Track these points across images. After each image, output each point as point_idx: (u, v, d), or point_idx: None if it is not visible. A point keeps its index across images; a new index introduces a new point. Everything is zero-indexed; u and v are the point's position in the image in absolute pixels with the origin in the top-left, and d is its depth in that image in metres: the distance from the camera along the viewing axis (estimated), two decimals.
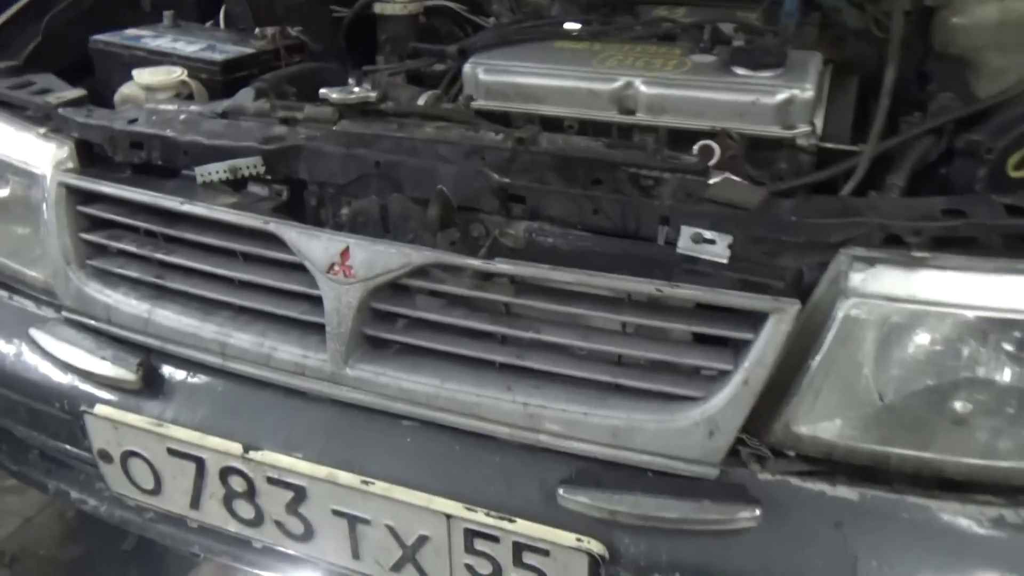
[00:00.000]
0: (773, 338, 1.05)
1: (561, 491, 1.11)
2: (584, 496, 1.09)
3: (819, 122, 1.48)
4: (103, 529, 1.69)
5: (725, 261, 1.13)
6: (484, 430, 1.18)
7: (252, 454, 1.25)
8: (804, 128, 1.45)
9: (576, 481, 1.12)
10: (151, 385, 1.37)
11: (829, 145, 1.50)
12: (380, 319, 1.25)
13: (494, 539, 1.13)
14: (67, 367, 1.41)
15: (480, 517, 1.13)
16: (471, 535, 1.14)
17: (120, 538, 2.10)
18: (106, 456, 1.38)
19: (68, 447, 1.49)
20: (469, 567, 1.17)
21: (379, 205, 1.29)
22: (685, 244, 1.16)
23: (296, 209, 1.40)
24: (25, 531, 2.19)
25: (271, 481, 1.25)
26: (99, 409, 1.36)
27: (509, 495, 1.14)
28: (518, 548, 1.12)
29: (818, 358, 1.06)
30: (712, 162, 1.38)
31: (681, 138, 1.47)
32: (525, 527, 1.11)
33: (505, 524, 1.11)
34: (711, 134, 1.46)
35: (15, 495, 2.29)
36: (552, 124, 1.54)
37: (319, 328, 1.26)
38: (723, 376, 1.09)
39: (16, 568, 2.08)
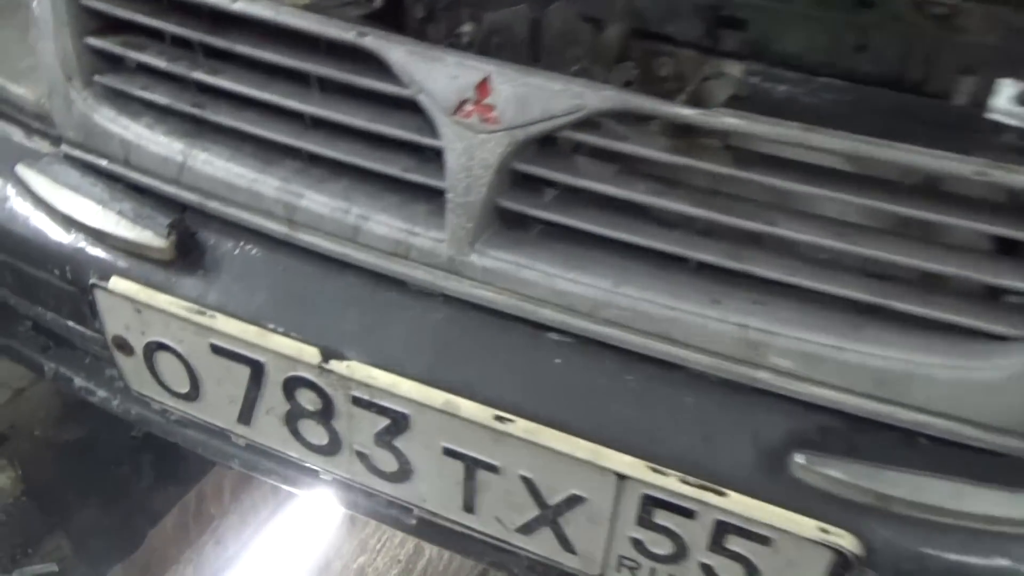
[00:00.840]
0: None
1: (800, 458, 0.76)
2: (837, 469, 0.75)
3: None
4: None
5: None
6: (675, 358, 0.82)
7: (335, 364, 0.89)
8: None
9: (821, 445, 0.77)
10: (187, 256, 0.99)
11: None
12: (521, 188, 0.88)
13: (687, 513, 0.80)
14: (69, 222, 1.03)
15: (672, 483, 0.79)
16: (652, 504, 0.81)
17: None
18: (124, 346, 1.03)
19: (71, 324, 1.14)
20: (637, 543, 0.85)
21: (529, 20, 0.88)
22: (1003, 106, 0.77)
23: (393, 21, 1.00)
24: (16, 405, 1.86)
25: (358, 402, 0.90)
26: (115, 283, 0.99)
27: (710, 455, 0.80)
28: (721, 529, 0.79)
29: None
30: None
31: None
32: (741, 504, 0.77)
33: (711, 497, 0.78)
34: None
35: (2, 361, 1.95)
36: None
37: (431, 194, 0.88)
38: None
39: (6, 449, 1.77)
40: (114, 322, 1.01)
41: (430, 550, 2.44)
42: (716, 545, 0.80)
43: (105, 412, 1.27)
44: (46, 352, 1.29)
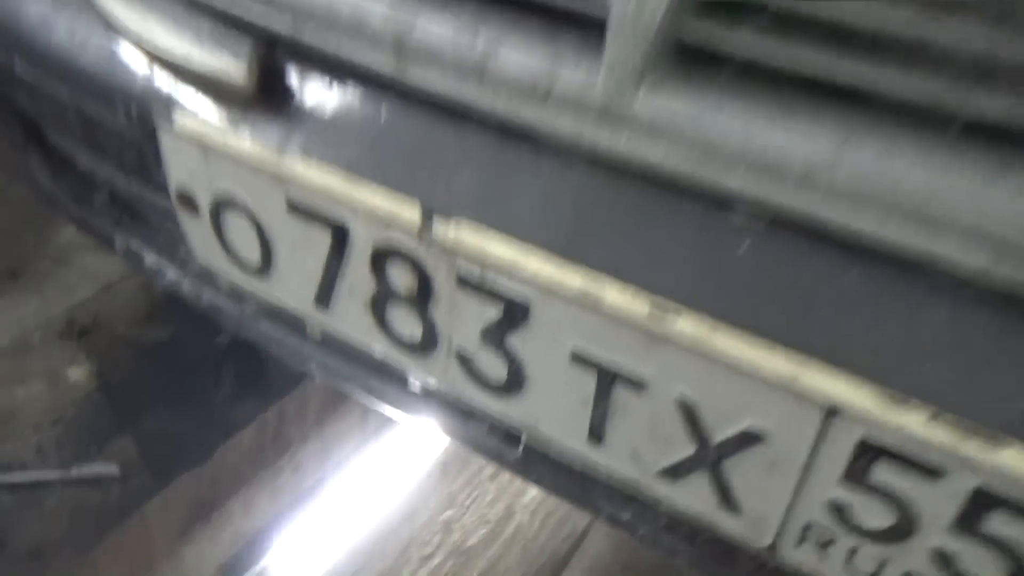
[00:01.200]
0: None
1: None
2: None
3: None
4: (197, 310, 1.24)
5: None
6: (925, 254, 0.57)
7: (439, 227, 0.68)
8: None
9: None
10: (271, 93, 0.80)
11: None
12: (712, 12, 0.63)
13: (930, 471, 0.55)
14: (138, 46, 0.86)
15: (913, 423, 0.54)
16: (873, 453, 0.56)
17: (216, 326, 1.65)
18: (188, 201, 0.85)
19: (137, 181, 0.97)
20: (837, 508, 0.60)
21: None
22: None
23: None
24: (101, 300, 1.76)
25: (465, 283, 0.69)
26: (182, 121, 0.81)
27: (975, 392, 0.54)
28: (982, 500, 0.54)
29: None
30: None
31: None
32: (1020, 462, 0.52)
33: (975, 449, 0.52)
34: None
35: (95, 255, 1.85)
36: None
37: (583, 21, 0.65)
38: None
39: (86, 342, 1.67)
40: (179, 169, 0.83)
41: (520, 514, 2.26)
42: (968, 523, 0.55)
43: (191, 315, 1.12)
44: (119, 225, 1.15)
